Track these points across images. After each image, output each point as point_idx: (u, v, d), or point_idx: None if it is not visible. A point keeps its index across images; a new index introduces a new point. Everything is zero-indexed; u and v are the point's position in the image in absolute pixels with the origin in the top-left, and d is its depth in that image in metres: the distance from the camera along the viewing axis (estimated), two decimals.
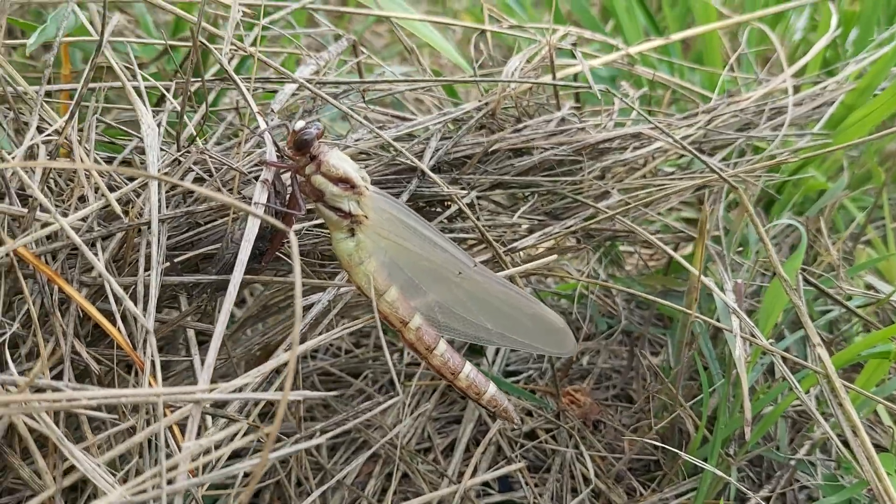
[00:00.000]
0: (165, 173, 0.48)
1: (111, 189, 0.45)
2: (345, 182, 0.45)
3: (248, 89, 0.50)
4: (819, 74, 0.83)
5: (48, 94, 0.53)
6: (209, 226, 0.51)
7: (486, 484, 0.68)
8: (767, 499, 0.65)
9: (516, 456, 0.68)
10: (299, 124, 0.45)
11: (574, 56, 0.71)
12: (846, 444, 0.55)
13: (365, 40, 0.82)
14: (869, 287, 0.68)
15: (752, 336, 0.56)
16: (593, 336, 0.84)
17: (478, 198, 0.65)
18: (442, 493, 0.63)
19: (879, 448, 0.62)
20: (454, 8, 1.29)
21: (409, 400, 0.74)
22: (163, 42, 0.59)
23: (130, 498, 0.33)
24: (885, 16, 0.87)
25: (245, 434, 0.34)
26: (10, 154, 0.44)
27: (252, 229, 0.42)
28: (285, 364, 0.50)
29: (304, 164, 0.45)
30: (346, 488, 0.65)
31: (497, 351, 0.80)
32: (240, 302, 0.73)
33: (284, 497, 0.65)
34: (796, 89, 0.79)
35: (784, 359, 0.70)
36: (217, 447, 0.36)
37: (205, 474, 0.35)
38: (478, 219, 0.61)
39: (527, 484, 0.66)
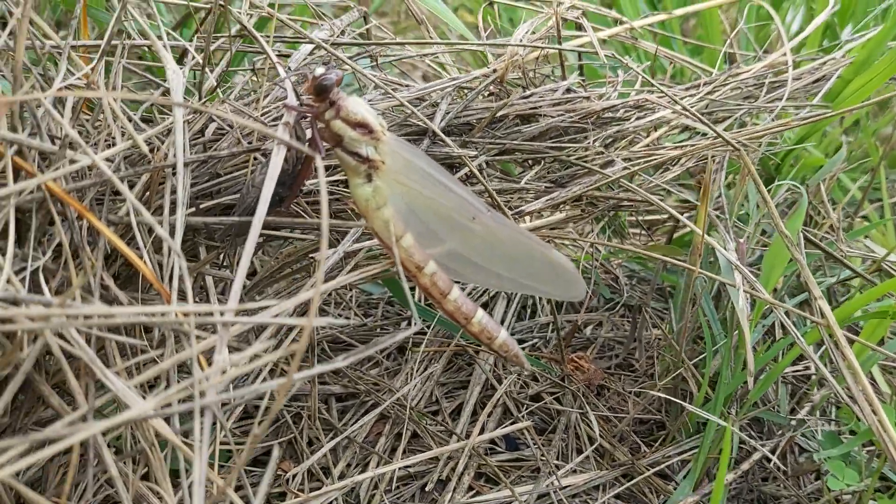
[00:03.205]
0: (187, 121, 0.49)
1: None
2: (363, 127, 0.47)
3: (267, 44, 0.52)
4: (818, 52, 0.85)
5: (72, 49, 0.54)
6: (229, 177, 0.53)
7: (493, 443, 0.69)
8: (768, 459, 0.66)
9: (522, 416, 0.70)
10: (319, 70, 0.46)
11: (579, 29, 0.73)
12: (851, 398, 0.56)
13: (383, 25, 0.84)
14: (870, 251, 0.70)
15: (754, 290, 0.57)
16: (597, 308, 0.86)
17: (487, 164, 0.67)
18: (451, 448, 0.65)
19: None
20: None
21: (417, 367, 0.75)
22: (185, 2, 0.61)
23: (160, 411, 0.35)
24: None
25: (273, 350, 0.35)
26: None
27: (276, 165, 0.43)
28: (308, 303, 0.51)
29: (323, 109, 0.47)
30: (357, 445, 0.66)
31: (502, 321, 0.82)
32: (251, 274, 0.75)
33: (297, 455, 0.66)
34: (795, 66, 0.81)
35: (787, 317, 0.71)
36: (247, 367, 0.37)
37: (234, 391, 0.37)
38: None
39: (534, 443, 0.68)
